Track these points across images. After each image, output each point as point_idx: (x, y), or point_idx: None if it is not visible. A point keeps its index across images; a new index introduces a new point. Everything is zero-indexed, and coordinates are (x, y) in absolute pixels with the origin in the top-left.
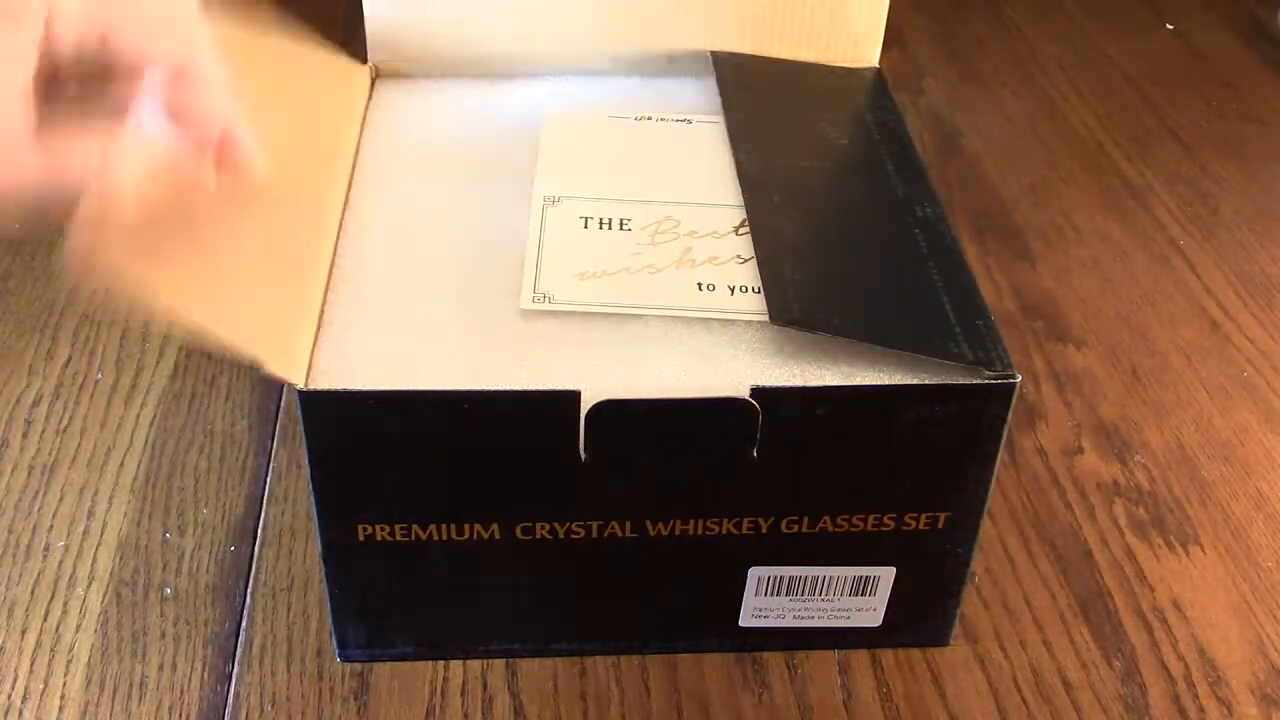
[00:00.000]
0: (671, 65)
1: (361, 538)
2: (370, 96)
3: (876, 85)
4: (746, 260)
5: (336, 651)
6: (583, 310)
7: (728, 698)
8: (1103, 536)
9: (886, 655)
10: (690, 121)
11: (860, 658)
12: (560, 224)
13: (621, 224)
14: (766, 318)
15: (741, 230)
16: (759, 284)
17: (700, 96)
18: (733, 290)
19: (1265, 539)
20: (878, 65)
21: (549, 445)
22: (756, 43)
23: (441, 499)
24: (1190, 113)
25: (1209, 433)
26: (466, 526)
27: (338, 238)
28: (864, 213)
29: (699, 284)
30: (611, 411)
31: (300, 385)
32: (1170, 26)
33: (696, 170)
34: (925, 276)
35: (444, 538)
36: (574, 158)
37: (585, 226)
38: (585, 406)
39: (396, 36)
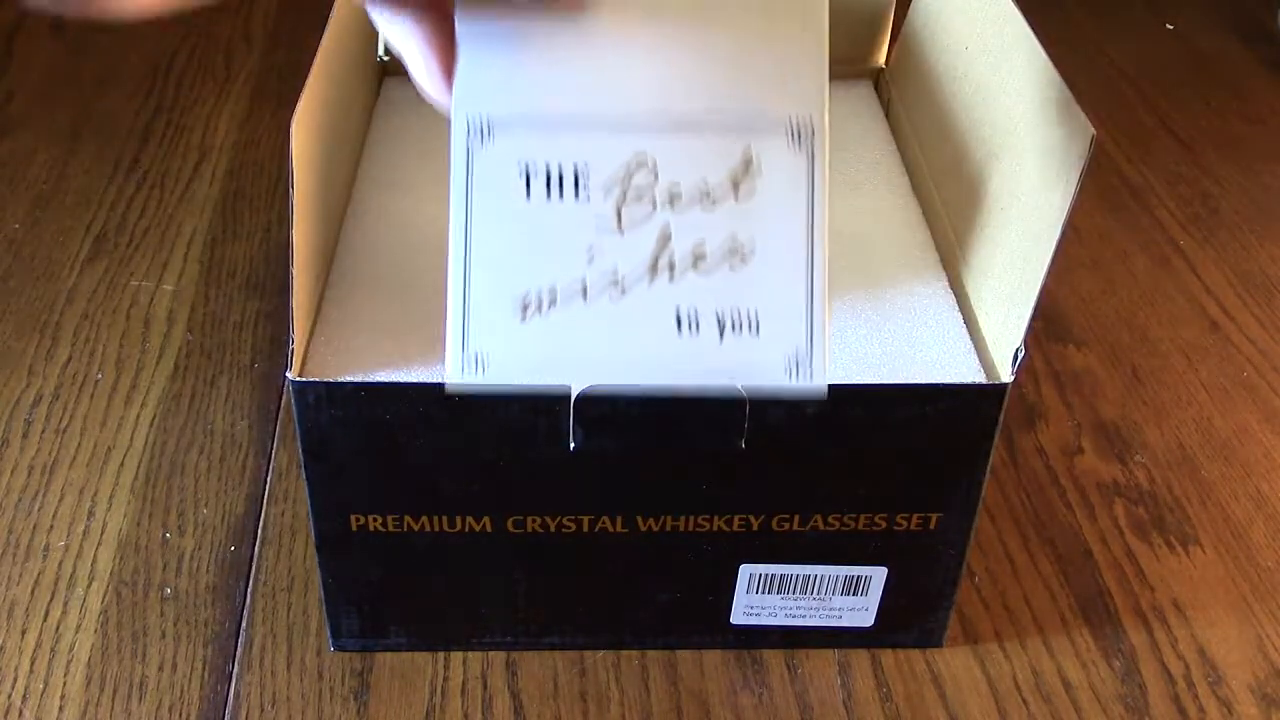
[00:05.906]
0: None
1: (354, 528)
2: (379, 92)
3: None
4: (748, 257)
5: (330, 641)
6: (528, 377)
7: (728, 697)
8: (1103, 536)
9: (886, 655)
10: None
11: (860, 658)
12: (494, 188)
13: (577, 180)
14: (771, 371)
15: (747, 176)
16: (758, 306)
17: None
18: (723, 330)
19: (1265, 539)
20: (883, 65)
21: (539, 439)
22: None
23: (432, 491)
24: (1190, 113)
25: (1209, 433)
26: (458, 519)
27: (339, 231)
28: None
29: (678, 318)
30: (599, 400)
31: (293, 375)
32: (1170, 26)
33: (678, 62)
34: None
35: (435, 529)
36: (512, 62)
37: (528, 191)
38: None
39: None
